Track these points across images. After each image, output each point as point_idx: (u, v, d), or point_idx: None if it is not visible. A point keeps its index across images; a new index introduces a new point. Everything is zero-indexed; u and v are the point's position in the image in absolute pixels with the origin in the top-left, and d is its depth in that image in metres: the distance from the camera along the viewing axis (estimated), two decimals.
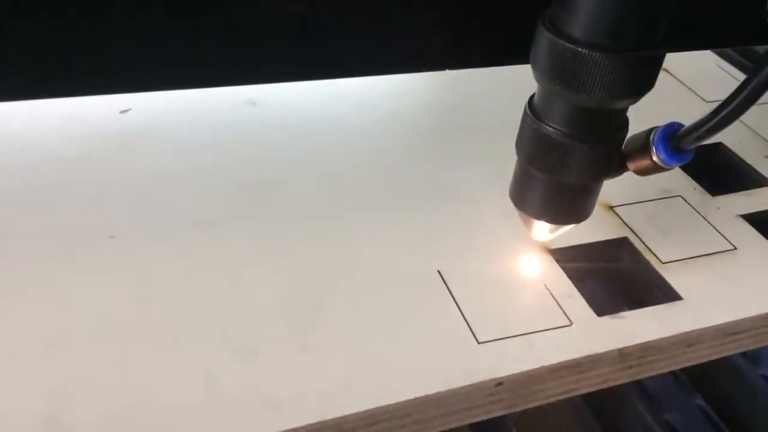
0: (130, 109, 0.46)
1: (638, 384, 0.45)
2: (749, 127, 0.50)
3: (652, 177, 0.43)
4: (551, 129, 0.31)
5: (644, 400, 0.47)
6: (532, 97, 0.32)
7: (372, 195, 0.41)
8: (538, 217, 0.35)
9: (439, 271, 0.36)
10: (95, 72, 0.30)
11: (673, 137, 0.31)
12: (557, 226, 0.35)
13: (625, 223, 0.41)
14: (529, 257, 0.38)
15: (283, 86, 0.49)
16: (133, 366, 0.31)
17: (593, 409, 0.42)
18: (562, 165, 0.31)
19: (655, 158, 0.32)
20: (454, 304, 0.35)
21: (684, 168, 0.46)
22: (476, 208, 0.40)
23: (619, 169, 0.33)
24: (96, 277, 0.34)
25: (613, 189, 0.42)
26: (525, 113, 0.32)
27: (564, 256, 0.38)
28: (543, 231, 0.35)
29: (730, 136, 0.49)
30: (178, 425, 0.28)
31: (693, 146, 0.31)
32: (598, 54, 0.27)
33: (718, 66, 0.58)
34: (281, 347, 0.32)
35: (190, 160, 0.42)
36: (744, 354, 0.47)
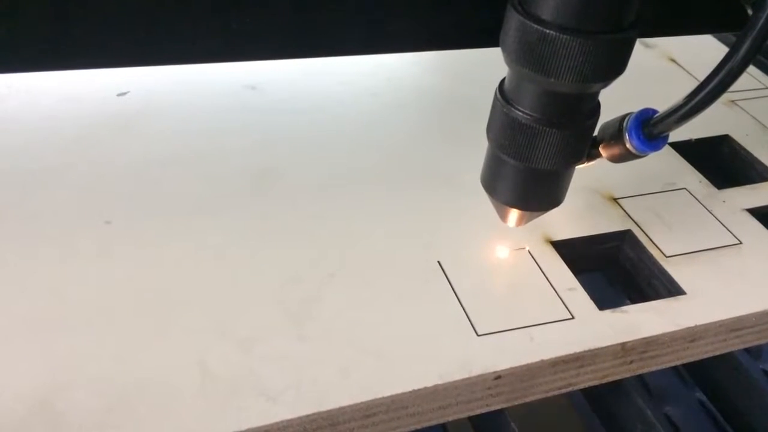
0: (129, 92, 0.45)
1: (638, 377, 0.45)
2: (757, 120, 0.50)
3: (656, 168, 0.43)
4: (521, 113, 0.30)
5: (644, 394, 0.46)
6: (502, 81, 0.31)
7: (372, 183, 0.40)
8: (510, 204, 0.34)
9: (438, 261, 0.36)
10: (91, 45, 0.29)
11: (646, 123, 0.30)
12: (529, 213, 0.34)
13: (629, 216, 0.40)
14: (530, 249, 0.37)
15: (283, 72, 0.48)
16: (126, 353, 0.30)
17: (592, 402, 0.42)
18: (531, 150, 0.30)
19: (628, 145, 0.31)
20: (454, 295, 0.34)
21: (690, 160, 0.45)
22: (478, 198, 0.39)
23: (591, 155, 0.32)
24: (90, 263, 0.34)
25: (617, 180, 0.42)
26: (495, 97, 0.31)
27: (566, 248, 0.37)
28: (515, 218, 0.34)
29: (737, 129, 0.48)
30: (171, 414, 0.28)
31: (667, 133, 0.30)
32: (566, 36, 0.26)
33: None
34: (278, 336, 0.31)
35: (188, 145, 0.42)
36: (746, 348, 0.46)
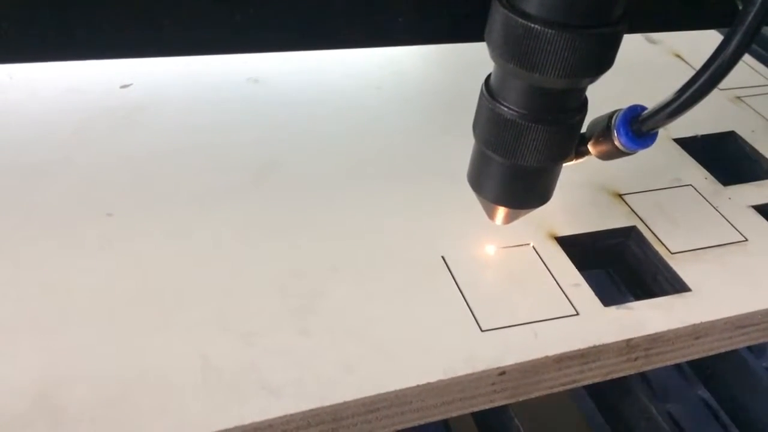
0: (132, 84, 0.45)
1: (641, 375, 0.45)
2: (763, 116, 0.49)
3: (662, 165, 0.43)
4: (506, 109, 0.29)
5: (647, 391, 0.46)
6: (488, 77, 0.31)
7: (376, 176, 0.40)
8: (497, 202, 0.33)
9: (442, 256, 0.35)
10: (93, 36, 0.29)
11: (635, 120, 0.30)
12: (517, 210, 0.34)
13: (634, 212, 0.40)
14: (535, 244, 0.37)
15: (287, 65, 0.48)
16: (127, 346, 0.30)
17: (595, 399, 0.42)
18: (517, 147, 0.30)
19: (616, 142, 0.30)
20: (458, 290, 0.34)
21: (695, 156, 0.45)
22: None
23: (579, 152, 0.32)
24: (92, 255, 0.34)
25: (622, 176, 0.42)
26: (481, 93, 0.31)
27: (571, 244, 0.37)
28: (502, 215, 0.34)
29: (743, 125, 0.48)
30: (172, 408, 0.28)
31: (656, 130, 0.30)
32: (551, 30, 0.26)
33: None
34: (280, 330, 0.31)
35: (191, 137, 0.42)
36: (749, 346, 0.46)
